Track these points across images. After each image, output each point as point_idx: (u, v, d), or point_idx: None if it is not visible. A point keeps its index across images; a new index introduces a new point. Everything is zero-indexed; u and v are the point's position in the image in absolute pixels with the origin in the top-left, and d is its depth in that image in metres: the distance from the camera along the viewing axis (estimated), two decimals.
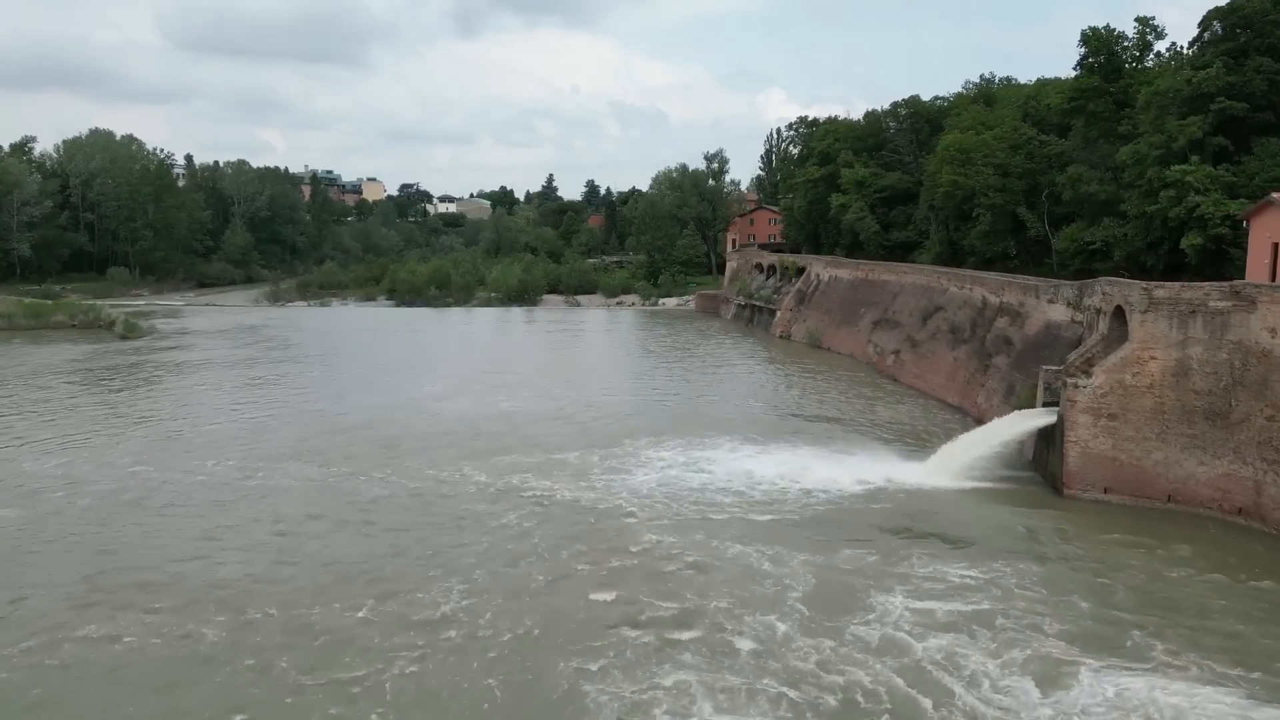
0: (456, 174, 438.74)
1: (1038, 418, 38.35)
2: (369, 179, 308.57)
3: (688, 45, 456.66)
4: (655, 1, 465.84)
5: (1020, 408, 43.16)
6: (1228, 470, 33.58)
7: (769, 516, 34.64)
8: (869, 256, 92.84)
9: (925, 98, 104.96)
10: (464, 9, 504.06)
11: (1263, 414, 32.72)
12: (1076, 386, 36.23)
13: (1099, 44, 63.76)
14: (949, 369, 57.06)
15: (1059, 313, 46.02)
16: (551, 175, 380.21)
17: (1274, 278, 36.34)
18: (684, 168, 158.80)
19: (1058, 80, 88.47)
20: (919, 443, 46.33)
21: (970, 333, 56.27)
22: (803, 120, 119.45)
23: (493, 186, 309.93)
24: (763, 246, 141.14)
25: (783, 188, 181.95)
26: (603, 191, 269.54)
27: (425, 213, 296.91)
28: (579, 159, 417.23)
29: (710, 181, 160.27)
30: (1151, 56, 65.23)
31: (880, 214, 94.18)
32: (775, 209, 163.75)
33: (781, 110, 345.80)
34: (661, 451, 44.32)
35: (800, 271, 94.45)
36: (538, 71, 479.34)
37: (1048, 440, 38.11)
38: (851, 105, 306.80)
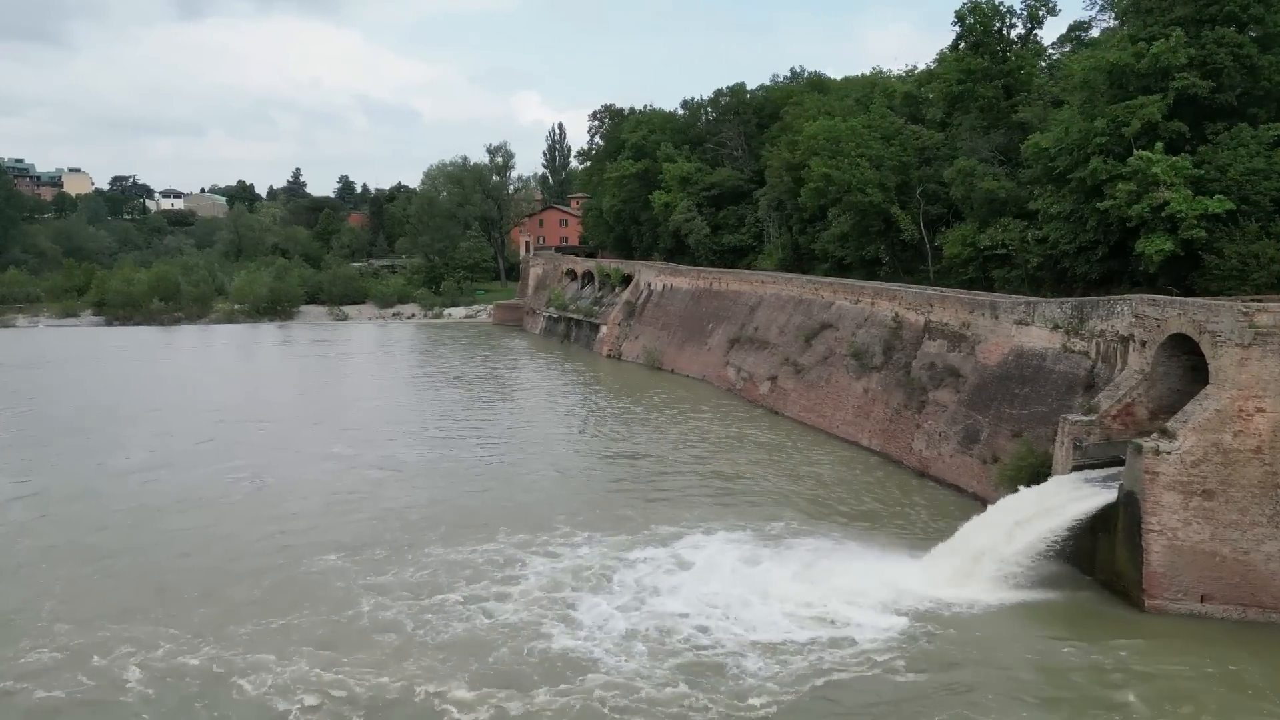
0: (184, 168, 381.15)
1: (1088, 495, 27.31)
2: (71, 169, 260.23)
3: (438, 42, 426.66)
4: None
5: (1020, 469, 32.32)
6: None
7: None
8: (696, 262, 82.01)
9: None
10: None
11: None
12: (1158, 453, 25.46)
13: (981, 20, 55.86)
14: (857, 403, 46.08)
15: (1037, 338, 35.87)
16: (299, 170, 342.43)
17: None
18: (464, 161, 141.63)
19: (879, 75, 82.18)
20: (880, 521, 34.38)
21: (884, 358, 45.59)
22: (609, 109, 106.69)
23: (228, 181, 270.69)
24: (561, 250, 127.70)
25: (576, 185, 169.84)
26: (359, 188, 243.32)
27: (145, 209, 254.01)
28: (325, 154, 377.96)
29: (494, 177, 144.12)
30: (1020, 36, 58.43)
31: (708, 215, 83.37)
32: (566, 208, 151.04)
33: (537, 112, 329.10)
34: (474, 560, 30.18)
35: (626, 280, 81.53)
36: (274, 60, 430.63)
37: (1104, 527, 27.17)
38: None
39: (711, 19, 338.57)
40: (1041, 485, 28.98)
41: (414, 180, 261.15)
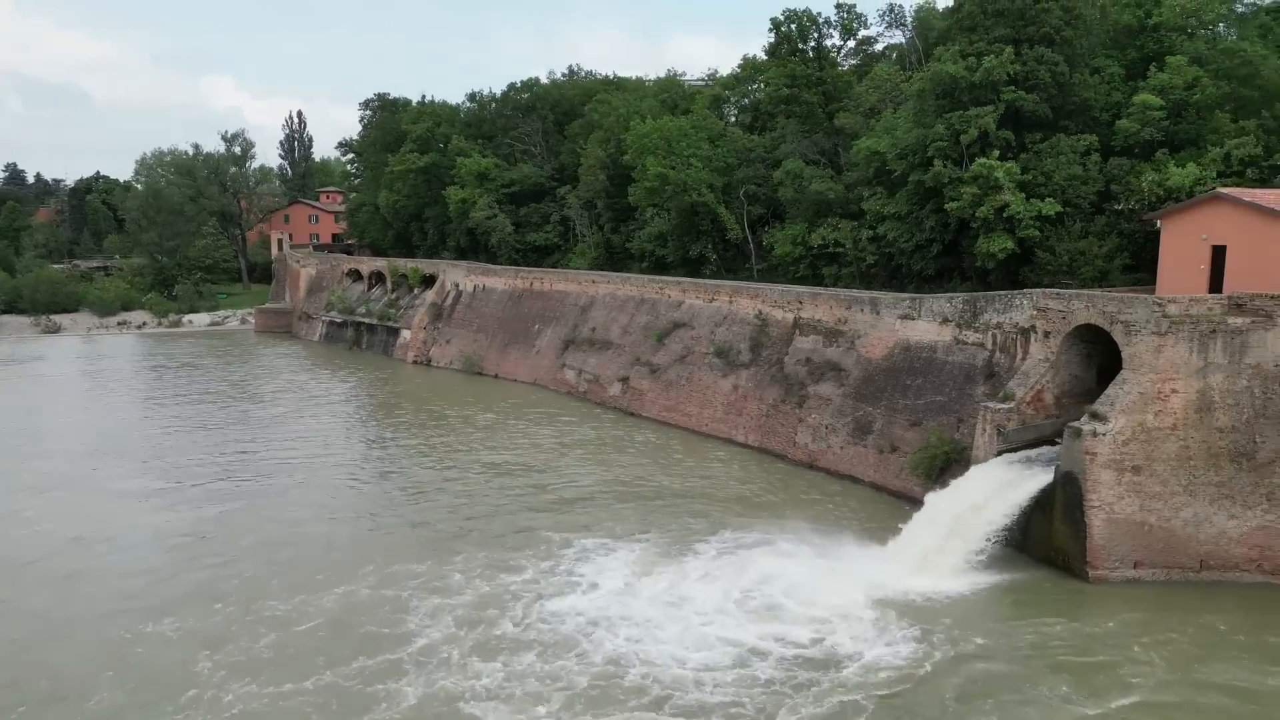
0: None
1: (1025, 478, 29.05)
2: None
3: (109, 14, 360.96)
4: None
5: (933, 456, 33.95)
6: (1263, 522, 27.71)
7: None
8: (496, 260, 78.89)
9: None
10: None
11: None
12: (1095, 434, 27.60)
13: (800, 29, 58.39)
14: (727, 400, 46.29)
15: (925, 331, 37.83)
16: None
17: (1218, 286, 32.05)
18: (197, 149, 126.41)
19: (674, 79, 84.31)
20: (803, 514, 34.44)
21: (751, 356, 46.15)
22: (382, 99, 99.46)
23: None
24: (319, 248, 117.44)
25: (328, 178, 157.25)
26: (32, 179, 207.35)
27: None
28: None
29: (232, 168, 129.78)
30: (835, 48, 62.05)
31: (508, 212, 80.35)
32: (316, 203, 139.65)
33: (233, 98, 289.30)
34: None
35: (427, 280, 76.32)
36: None
37: (1038, 507, 28.99)
38: (311, 99, 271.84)
39: (414, 12, 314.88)
40: (975, 472, 30.46)
41: (109, 169, 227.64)
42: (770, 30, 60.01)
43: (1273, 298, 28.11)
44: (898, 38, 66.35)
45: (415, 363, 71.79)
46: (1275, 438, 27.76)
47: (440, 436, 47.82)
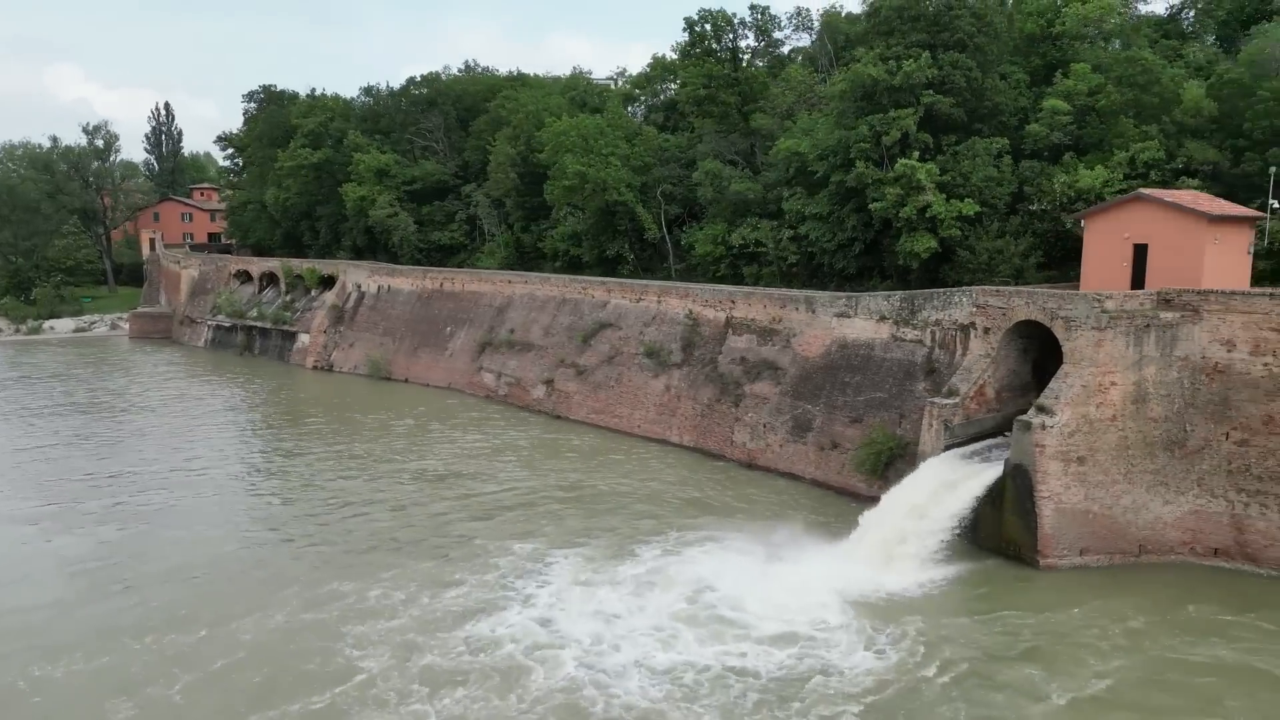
0: None
1: (975, 472, 29.61)
2: None
3: None
4: None
5: (878, 452, 34.30)
6: (1194, 507, 29.16)
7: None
8: (397, 260, 75.98)
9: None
10: None
11: (1229, 438, 28.91)
12: (1044, 427, 28.38)
13: (715, 28, 58.47)
14: (660, 400, 45.72)
15: (862, 329, 38.24)
16: None
17: (1140, 282, 33.58)
18: (55, 142, 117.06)
19: (580, 76, 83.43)
20: (755, 515, 34.19)
21: (683, 355, 45.72)
22: (268, 90, 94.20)
23: None
24: (196, 248, 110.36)
25: (199, 173, 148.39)
26: None
27: None
28: None
29: (95, 162, 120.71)
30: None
31: (410, 210, 77.46)
32: (189, 200, 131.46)
33: (80, 89, 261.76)
34: None
35: (326, 281, 72.56)
36: None
37: (988, 498, 29.57)
38: (167, 90, 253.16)
39: (273, 4, 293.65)
40: (926, 467, 30.87)
41: None
42: (684, 30, 60.07)
43: (1199, 293, 29.64)
44: (804, 40, 67.70)
45: (316, 368, 68.15)
46: (1204, 426, 29.27)
47: (357, 445, 45.33)
